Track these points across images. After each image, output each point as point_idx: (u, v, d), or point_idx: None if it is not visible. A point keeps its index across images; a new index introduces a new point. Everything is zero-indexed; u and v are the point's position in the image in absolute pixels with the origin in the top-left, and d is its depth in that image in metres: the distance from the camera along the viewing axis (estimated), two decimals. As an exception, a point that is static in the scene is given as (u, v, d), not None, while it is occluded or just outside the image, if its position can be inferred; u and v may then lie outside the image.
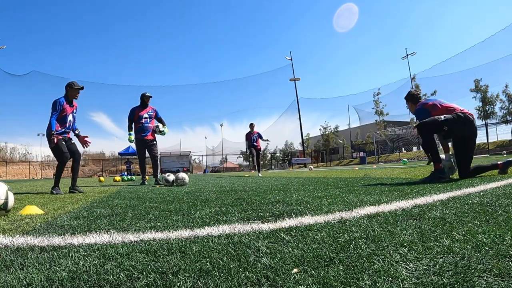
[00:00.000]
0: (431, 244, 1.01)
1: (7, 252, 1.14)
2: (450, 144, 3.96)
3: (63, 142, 4.50)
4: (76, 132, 4.78)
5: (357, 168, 11.12)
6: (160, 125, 6.39)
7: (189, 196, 3.08)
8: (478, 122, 31.85)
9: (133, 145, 7.44)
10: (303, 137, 39.80)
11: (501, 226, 1.20)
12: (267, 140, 11.35)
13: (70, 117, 4.63)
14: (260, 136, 10.81)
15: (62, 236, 1.39)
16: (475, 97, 30.90)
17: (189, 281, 0.80)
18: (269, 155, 53.67)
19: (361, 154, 35.44)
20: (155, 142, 6.46)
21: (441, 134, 3.65)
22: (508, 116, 29.54)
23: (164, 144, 42.88)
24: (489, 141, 29.92)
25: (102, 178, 11.99)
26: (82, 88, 4.70)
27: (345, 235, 1.18)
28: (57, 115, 4.46)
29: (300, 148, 45.56)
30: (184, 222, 1.62)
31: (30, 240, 1.31)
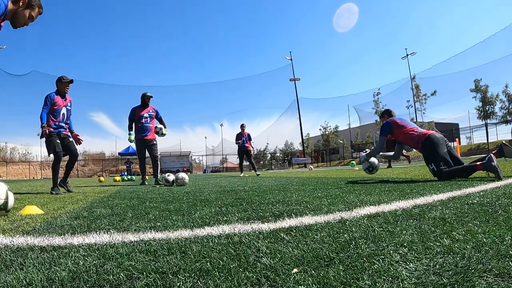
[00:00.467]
0: (431, 244, 1.01)
1: (7, 252, 1.14)
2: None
3: (58, 141, 4.56)
4: (74, 135, 4.86)
5: (357, 168, 11.11)
6: (163, 128, 6.37)
7: (189, 196, 3.09)
8: (478, 122, 31.96)
9: (133, 145, 7.45)
10: (303, 137, 39.82)
11: (501, 226, 1.20)
12: (252, 148, 11.03)
13: (63, 110, 4.72)
14: (250, 138, 10.80)
15: (62, 236, 1.39)
16: (475, 97, 30.93)
17: (189, 281, 0.80)
18: (269, 155, 53.65)
19: (361, 154, 35.39)
20: (155, 142, 6.45)
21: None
22: (508, 116, 29.54)
23: (164, 144, 42.91)
24: (489, 141, 29.92)
25: (102, 178, 11.99)
26: (71, 81, 4.76)
27: (345, 235, 1.18)
28: (47, 109, 4.54)
29: (300, 148, 45.58)
30: (184, 222, 1.62)
31: (30, 240, 1.31)
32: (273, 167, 47.66)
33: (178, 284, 0.79)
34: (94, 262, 0.99)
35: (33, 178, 31.77)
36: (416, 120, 34.69)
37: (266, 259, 0.94)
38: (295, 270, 0.85)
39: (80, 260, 1.01)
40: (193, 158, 44.54)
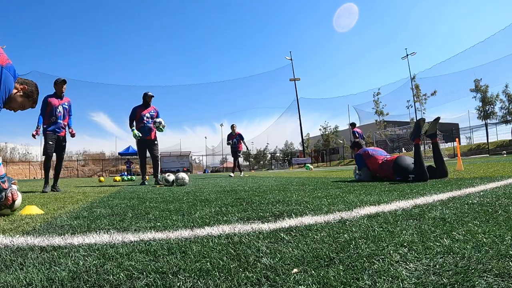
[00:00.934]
0: (431, 244, 1.01)
1: (7, 252, 1.14)
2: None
3: (50, 143, 4.99)
4: (69, 130, 5.28)
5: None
6: (162, 121, 6.22)
7: (189, 196, 3.08)
8: (478, 122, 31.99)
9: (134, 146, 7.46)
10: (303, 137, 39.80)
11: (501, 226, 1.20)
12: (247, 148, 11.10)
13: (59, 109, 5.07)
14: (241, 138, 10.72)
15: (62, 236, 1.39)
16: (475, 97, 30.95)
17: (189, 281, 0.80)
18: (269, 155, 53.66)
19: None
20: (156, 142, 6.42)
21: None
22: (508, 116, 29.55)
23: (164, 144, 42.89)
24: (489, 141, 29.93)
25: (102, 178, 11.99)
26: (64, 81, 5.11)
27: (345, 235, 1.18)
28: (42, 111, 4.98)
29: (300, 148, 45.57)
30: (184, 222, 1.62)
31: (30, 240, 1.31)
32: (273, 167, 47.65)
33: (178, 284, 0.79)
34: (94, 262, 0.99)
35: (34, 178, 31.77)
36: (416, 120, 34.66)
37: (266, 259, 0.94)
38: (295, 270, 0.85)
39: (80, 260, 1.01)
40: (193, 158, 44.56)
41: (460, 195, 2.14)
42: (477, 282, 0.71)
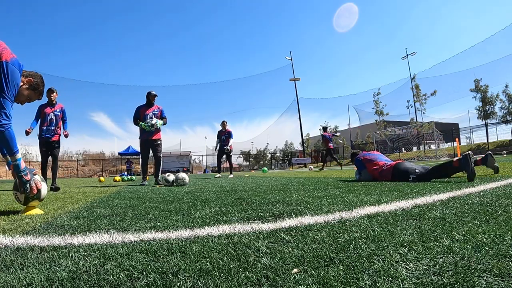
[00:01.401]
0: (431, 244, 1.01)
1: (7, 252, 1.14)
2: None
3: (44, 148, 5.57)
4: (64, 133, 5.72)
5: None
6: (154, 120, 6.01)
7: (189, 196, 3.08)
8: (478, 122, 32.00)
9: (134, 145, 7.47)
10: (303, 137, 39.81)
11: (501, 226, 1.20)
12: (229, 148, 9.93)
13: (50, 116, 5.55)
14: (230, 136, 10.00)
15: (62, 236, 1.39)
16: (475, 97, 30.91)
17: (189, 281, 0.80)
18: (269, 155, 53.65)
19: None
20: (159, 142, 6.32)
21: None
22: (508, 116, 29.52)
23: (164, 144, 42.68)
24: (489, 141, 29.94)
25: (102, 178, 11.98)
26: (50, 90, 5.56)
27: (345, 235, 1.18)
28: (36, 118, 5.52)
29: (300, 148, 45.57)
30: (184, 222, 1.62)
31: (30, 240, 1.31)
32: (273, 167, 47.65)
33: (178, 284, 0.79)
34: (94, 262, 0.99)
35: (33, 178, 31.71)
36: (416, 120, 34.72)
37: (266, 259, 0.94)
38: (295, 270, 0.85)
39: (80, 260, 1.01)
40: (193, 158, 44.54)
41: (460, 195, 2.14)
42: (477, 282, 0.71)
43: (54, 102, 5.61)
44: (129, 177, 11.80)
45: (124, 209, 2.25)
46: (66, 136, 5.77)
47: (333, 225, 1.38)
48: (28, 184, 2.19)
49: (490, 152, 3.78)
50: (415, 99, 34.76)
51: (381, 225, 1.33)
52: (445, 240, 1.04)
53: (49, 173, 6.02)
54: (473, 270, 0.78)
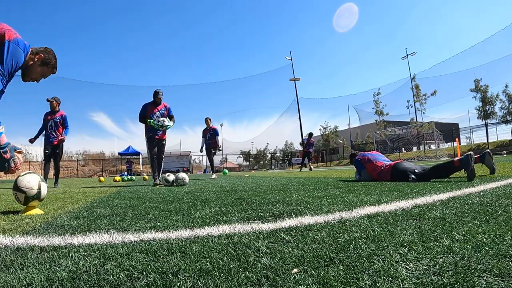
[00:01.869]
0: (431, 244, 1.01)
1: (7, 252, 1.14)
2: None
3: (46, 151, 6.48)
4: (61, 137, 6.50)
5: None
6: (165, 119, 5.96)
7: (189, 196, 3.08)
8: (478, 122, 32.01)
9: (134, 145, 7.48)
10: (303, 137, 39.82)
11: (501, 226, 1.20)
12: (219, 147, 9.76)
13: (50, 123, 6.45)
14: (216, 133, 9.58)
15: (62, 236, 1.39)
16: (475, 97, 30.93)
17: (189, 281, 0.80)
18: (269, 155, 53.66)
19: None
20: (164, 143, 6.19)
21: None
22: (508, 116, 29.53)
23: (165, 144, 42.84)
24: (489, 141, 29.94)
25: (102, 178, 11.98)
26: (52, 99, 6.47)
27: (345, 235, 1.18)
28: (42, 124, 6.52)
29: (300, 148, 45.58)
30: (184, 222, 1.62)
31: (30, 240, 1.31)
32: (273, 167, 47.65)
33: (178, 284, 0.79)
34: (94, 262, 0.99)
35: (33, 178, 31.73)
36: (416, 120, 34.72)
37: (266, 259, 0.94)
38: (295, 270, 0.85)
39: (80, 260, 1.01)
40: (193, 158, 44.51)
41: (460, 195, 2.14)
42: (477, 282, 0.71)
43: (57, 109, 6.48)
44: (129, 177, 11.80)
45: (124, 209, 2.25)
46: (62, 140, 6.50)
47: (333, 225, 1.38)
48: (7, 163, 2.05)
49: (489, 150, 3.75)
50: (415, 99, 34.77)
51: (381, 225, 1.33)
52: (445, 240, 1.04)
53: (51, 175, 6.86)
54: (473, 270, 0.78)
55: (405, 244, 1.03)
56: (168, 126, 5.99)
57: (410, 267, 0.83)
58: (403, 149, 33.44)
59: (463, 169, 3.28)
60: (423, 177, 3.53)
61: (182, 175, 5.52)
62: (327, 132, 46.03)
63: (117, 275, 0.86)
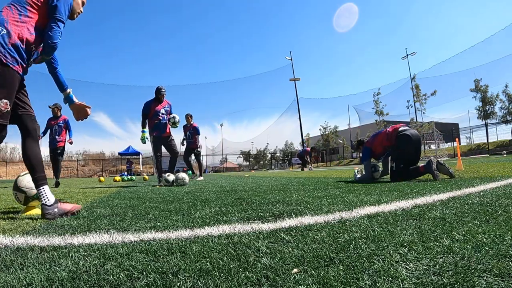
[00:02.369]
0: (431, 244, 1.01)
1: (7, 252, 1.14)
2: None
3: (51, 154, 7.24)
4: (69, 140, 7.33)
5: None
6: (176, 116, 5.89)
7: (189, 196, 3.08)
8: (478, 122, 32.02)
9: (134, 145, 7.55)
10: (303, 137, 39.81)
11: (501, 226, 1.20)
12: (200, 147, 9.13)
13: (55, 127, 7.21)
14: (197, 132, 8.90)
15: (62, 236, 1.39)
16: (475, 97, 30.94)
17: (189, 281, 0.80)
18: (269, 155, 53.65)
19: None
20: (173, 138, 6.02)
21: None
22: (508, 116, 29.54)
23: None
24: (489, 141, 29.94)
25: (102, 178, 11.98)
26: (54, 106, 7.16)
27: (345, 235, 1.18)
28: (45, 128, 7.21)
29: (300, 148, 45.58)
30: (184, 222, 1.62)
31: (30, 240, 1.31)
32: (273, 167, 47.65)
33: (178, 284, 0.79)
34: (94, 262, 0.99)
35: (33, 178, 31.71)
36: (416, 120, 34.71)
37: (266, 259, 0.94)
38: (295, 270, 0.85)
39: (80, 260, 1.01)
40: (192, 158, 44.46)
41: (460, 195, 2.14)
42: (477, 282, 0.71)
43: (59, 115, 7.21)
44: (129, 177, 11.79)
45: (124, 209, 2.25)
46: (70, 143, 7.26)
47: (333, 225, 1.38)
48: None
49: (432, 159, 3.69)
50: (415, 99, 34.72)
51: (381, 225, 1.33)
52: (445, 240, 1.04)
53: (51, 175, 7.70)
54: (473, 270, 0.78)
55: (405, 244, 1.03)
56: (176, 120, 5.92)
57: (410, 267, 0.83)
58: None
59: (428, 173, 3.65)
60: (399, 174, 3.75)
61: (182, 175, 5.52)
62: (327, 132, 46.05)
63: (117, 275, 0.86)
